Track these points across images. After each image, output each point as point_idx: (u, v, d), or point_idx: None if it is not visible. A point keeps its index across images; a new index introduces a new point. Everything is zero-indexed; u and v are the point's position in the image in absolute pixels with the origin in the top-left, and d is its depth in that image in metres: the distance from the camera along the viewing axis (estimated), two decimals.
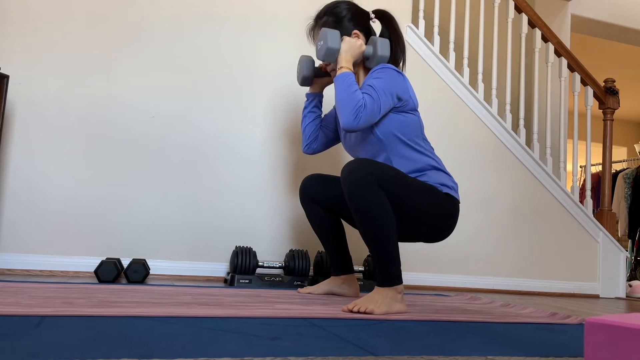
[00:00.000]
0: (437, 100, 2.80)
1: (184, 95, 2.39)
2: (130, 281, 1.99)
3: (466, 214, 2.79)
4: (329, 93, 2.43)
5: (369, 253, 2.53)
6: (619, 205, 4.70)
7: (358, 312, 1.37)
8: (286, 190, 2.49)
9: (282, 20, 2.58)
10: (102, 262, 1.94)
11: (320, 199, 1.83)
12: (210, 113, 2.42)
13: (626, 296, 3.14)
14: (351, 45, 1.66)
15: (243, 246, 2.27)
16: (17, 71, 2.18)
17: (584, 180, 3.77)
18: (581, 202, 3.39)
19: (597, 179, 4.79)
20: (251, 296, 1.64)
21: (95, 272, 1.93)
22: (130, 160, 2.29)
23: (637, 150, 5.69)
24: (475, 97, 2.86)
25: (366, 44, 1.72)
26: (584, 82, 3.21)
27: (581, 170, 5.49)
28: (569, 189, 3.11)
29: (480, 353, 0.91)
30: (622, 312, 2.11)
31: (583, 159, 6.71)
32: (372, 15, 1.80)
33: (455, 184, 1.65)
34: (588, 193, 3.15)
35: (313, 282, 2.22)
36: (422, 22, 2.83)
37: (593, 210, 4.75)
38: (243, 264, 2.14)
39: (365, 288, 2.26)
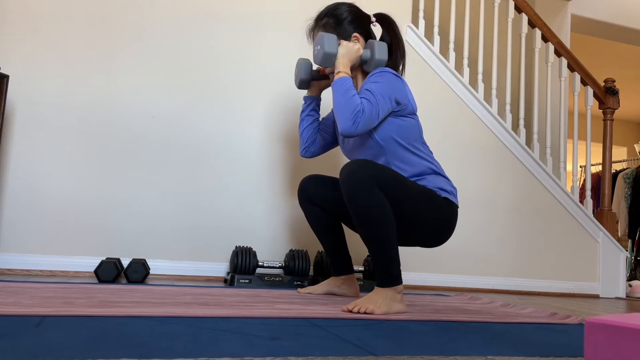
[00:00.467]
0: (437, 100, 2.80)
1: (184, 95, 2.39)
2: (130, 281, 1.99)
3: (466, 214, 2.79)
4: (327, 96, 2.43)
5: (369, 253, 2.53)
6: (619, 205, 4.70)
7: (358, 312, 1.37)
8: (286, 190, 2.49)
9: (282, 20, 2.58)
10: (102, 262, 1.94)
11: (318, 201, 1.83)
12: (210, 113, 2.42)
13: (626, 296, 3.14)
14: (348, 50, 1.65)
15: (243, 246, 2.27)
16: (17, 71, 2.18)
17: (584, 180, 3.77)
18: (581, 202, 3.39)
19: (597, 179, 4.79)
20: (251, 296, 1.64)
21: (95, 272, 1.93)
22: (130, 160, 2.29)
23: (637, 150, 5.69)
24: (475, 97, 2.86)
25: (364, 47, 1.72)
26: (584, 82, 3.21)
27: (581, 170, 5.49)
28: (569, 189, 3.11)
29: (480, 353, 0.91)
30: (622, 312, 2.11)
31: (583, 159, 6.71)
32: (373, 19, 1.80)
33: (454, 188, 1.65)
34: (588, 193, 3.15)
35: (313, 282, 2.22)
36: (422, 22, 2.83)
37: (593, 210, 4.75)
38: (243, 264, 2.14)
39: (365, 288, 2.26)
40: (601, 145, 3.34)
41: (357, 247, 2.50)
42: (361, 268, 2.36)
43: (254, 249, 2.39)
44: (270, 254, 2.44)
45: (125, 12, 2.35)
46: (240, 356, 0.76)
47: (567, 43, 4.08)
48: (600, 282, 3.02)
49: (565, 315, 1.60)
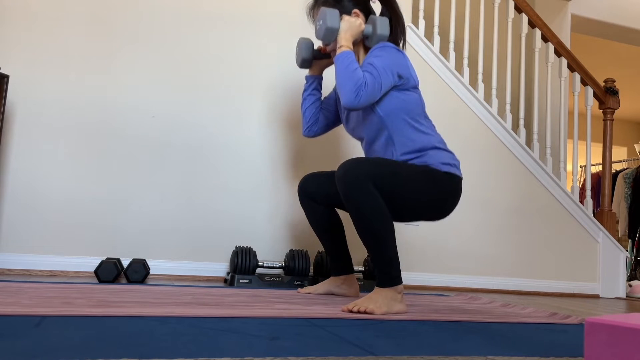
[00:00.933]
0: (437, 100, 2.80)
1: (184, 95, 2.39)
2: (130, 281, 1.99)
3: (466, 214, 2.79)
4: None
5: (368, 254, 2.53)
6: (619, 205, 4.70)
7: (358, 312, 1.37)
8: (286, 190, 2.49)
9: (283, 20, 2.58)
10: (102, 262, 1.94)
11: (319, 198, 1.83)
12: (211, 113, 2.42)
13: (626, 296, 3.14)
14: (351, 24, 1.66)
15: (243, 246, 2.27)
16: (17, 71, 2.18)
17: (584, 180, 3.77)
18: (581, 202, 3.39)
19: (597, 179, 4.79)
20: (251, 296, 1.64)
21: (95, 272, 1.93)
22: (130, 160, 2.29)
23: (637, 150, 5.69)
24: (475, 97, 2.86)
25: (365, 23, 1.72)
26: (584, 82, 3.21)
27: (581, 170, 5.49)
28: (569, 189, 3.11)
29: (480, 353, 0.91)
30: (622, 312, 2.11)
31: (583, 159, 6.70)
32: None
33: (457, 161, 1.65)
34: (588, 193, 3.15)
35: (313, 282, 2.22)
36: (422, 22, 2.83)
37: (593, 210, 4.74)
38: (243, 264, 2.14)
39: (365, 288, 2.26)
40: (601, 145, 3.34)
41: (357, 247, 2.50)
42: (361, 268, 2.36)
43: (254, 249, 2.39)
44: (270, 254, 2.44)
45: (125, 12, 2.35)
46: (240, 356, 0.76)
47: (567, 43, 4.08)
48: (600, 282, 3.02)
49: (565, 315, 1.60)
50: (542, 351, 0.97)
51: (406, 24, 2.78)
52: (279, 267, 2.24)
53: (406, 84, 1.63)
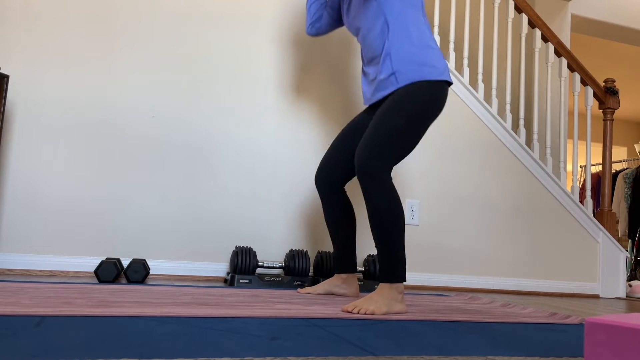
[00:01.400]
0: None
1: (184, 95, 2.39)
2: (130, 281, 1.99)
3: (466, 214, 2.79)
4: None
5: (369, 253, 2.53)
6: (619, 205, 4.70)
7: (358, 313, 1.37)
8: (286, 190, 2.49)
9: (283, 19, 2.58)
10: (102, 262, 1.94)
11: (340, 181, 1.86)
12: (211, 113, 2.42)
13: (626, 296, 3.14)
14: None
15: (243, 246, 2.27)
16: (17, 71, 2.18)
17: (584, 180, 3.77)
18: (581, 202, 3.39)
19: (597, 179, 4.79)
20: (251, 296, 1.64)
21: (95, 272, 1.93)
22: (130, 160, 2.29)
23: (637, 150, 5.69)
24: (475, 97, 2.86)
25: None
26: (584, 82, 3.21)
27: (581, 170, 5.49)
28: (569, 189, 3.11)
29: (480, 353, 0.91)
30: (622, 312, 2.11)
31: (583, 159, 6.70)
32: None
33: (441, 61, 1.66)
34: (588, 193, 3.15)
35: (313, 282, 2.22)
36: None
37: (593, 210, 4.75)
38: (243, 264, 2.14)
39: (366, 288, 2.26)
40: (601, 145, 3.34)
41: (357, 247, 2.50)
42: (361, 268, 2.36)
43: (254, 249, 2.39)
44: (270, 254, 2.44)
45: (125, 12, 2.35)
46: (240, 356, 0.76)
47: (567, 43, 4.08)
48: (600, 282, 3.02)
49: (565, 315, 1.60)
50: (542, 351, 0.97)
51: None
52: (279, 267, 2.24)
53: None
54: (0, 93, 1.97)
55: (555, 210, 2.98)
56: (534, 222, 2.93)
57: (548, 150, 3.06)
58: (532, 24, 3.09)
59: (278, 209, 2.47)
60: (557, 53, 3.14)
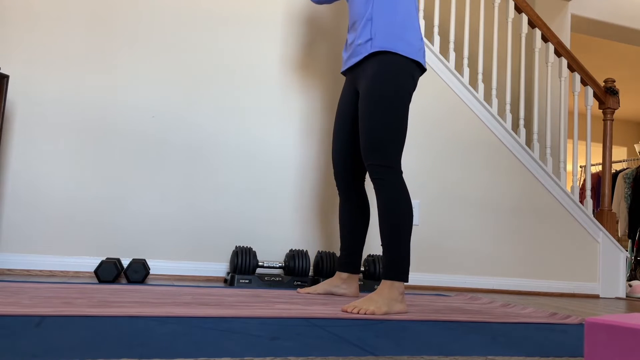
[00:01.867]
0: (436, 100, 2.80)
1: (184, 95, 2.40)
2: (130, 281, 1.99)
3: (466, 214, 2.79)
4: None
5: (369, 253, 2.53)
6: (619, 205, 4.70)
7: (358, 313, 1.37)
8: (286, 190, 2.49)
9: (283, 19, 2.58)
10: (102, 262, 1.94)
11: (359, 179, 1.88)
12: (211, 112, 2.42)
13: (626, 296, 3.14)
14: None
15: (243, 246, 2.27)
16: (17, 71, 2.18)
17: (584, 180, 3.77)
18: (581, 202, 3.39)
19: (597, 179, 4.79)
20: (251, 296, 1.64)
21: (95, 272, 1.93)
22: (130, 160, 2.29)
23: (637, 150, 5.69)
24: (475, 97, 2.86)
25: None
26: (584, 82, 3.21)
27: (581, 170, 5.49)
28: (569, 189, 3.11)
29: (480, 353, 0.91)
30: (622, 312, 2.11)
31: (583, 159, 6.70)
32: None
33: (418, 42, 1.69)
34: (588, 193, 3.15)
35: (313, 282, 2.22)
36: (422, 22, 2.83)
37: (593, 210, 4.75)
38: (243, 264, 2.14)
39: (366, 288, 2.26)
40: (601, 145, 3.34)
41: None
42: (361, 268, 2.36)
43: (254, 249, 2.39)
44: (270, 254, 2.44)
45: (125, 11, 2.35)
46: (240, 356, 0.76)
47: (567, 43, 4.08)
48: (600, 282, 3.02)
49: (565, 315, 1.60)
50: (542, 351, 0.97)
51: None
52: (279, 267, 2.24)
53: None
54: (0, 93, 1.97)
55: (555, 210, 2.98)
56: (534, 222, 2.93)
57: (548, 150, 3.06)
58: (532, 24, 3.09)
59: (278, 209, 2.47)
60: (557, 53, 3.14)
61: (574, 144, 3.25)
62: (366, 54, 1.69)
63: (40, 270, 2.13)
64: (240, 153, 2.45)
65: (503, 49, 3.92)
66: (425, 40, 2.80)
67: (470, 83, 3.68)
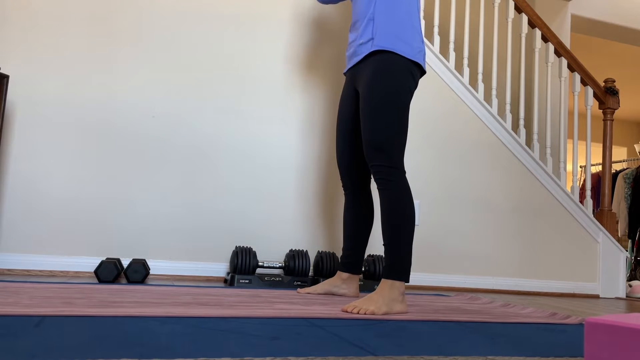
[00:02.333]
0: (436, 100, 2.80)
1: (184, 95, 2.39)
2: (130, 281, 1.99)
3: (466, 214, 2.79)
4: None
5: (369, 253, 2.53)
6: (619, 205, 4.70)
7: (358, 313, 1.37)
8: (287, 190, 2.49)
9: (284, 19, 2.58)
10: (102, 262, 1.94)
11: (364, 180, 1.88)
12: (211, 113, 2.42)
13: (626, 296, 3.14)
14: None
15: (243, 246, 2.27)
16: (17, 71, 2.18)
17: (584, 180, 3.77)
18: (581, 202, 3.39)
19: (597, 179, 4.79)
20: (251, 296, 1.64)
21: (95, 272, 1.93)
22: (130, 160, 2.29)
23: (637, 150, 5.69)
24: (475, 97, 2.86)
25: None
26: (584, 82, 3.21)
27: (581, 170, 5.49)
28: (569, 189, 3.11)
29: (480, 353, 0.91)
30: (622, 312, 2.11)
31: (583, 159, 6.70)
32: None
33: (419, 43, 1.70)
34: (588, 193, 3.15)
35: (313, 282, 2.22)
36: (422, 23, 2.83)
37: (593, 210, 4.75)
38: (243, 264, 2.14)
39: (366, 288, 2.26)
40: (601, 145, 3.34)
41: None
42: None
43: (254, 249, 2.39)
44: (270, 254, 2.44)
45: (125, 11, 2.35)
46: (240, 356, 0.76)
47: (567, 43, 4.08)
48: (600, 282, 3.02)
49: (565, 315, 1.60)
50: (542, 351, 0.97)
51: None
52: (279, 267, 2.24)
53: None
54: (0, 93, 1.97)
55: (555, 210, 2.98)
56: (534, 222, 2.93)
57: (548, 150, 3.06)
58: (532, 24, 3.09)
59: (278, 209, 2.47)
60: (557, 53, 3.14)
61: (574, 144, 3.25)
62: (367, 53, 1.70)
63: (40, 270, 2.13)
64: (241, 153, 2.45)
65: (503, 49, 3.92)
66: (425, 40, 2.80)
67: (470, 83, 3.68)
